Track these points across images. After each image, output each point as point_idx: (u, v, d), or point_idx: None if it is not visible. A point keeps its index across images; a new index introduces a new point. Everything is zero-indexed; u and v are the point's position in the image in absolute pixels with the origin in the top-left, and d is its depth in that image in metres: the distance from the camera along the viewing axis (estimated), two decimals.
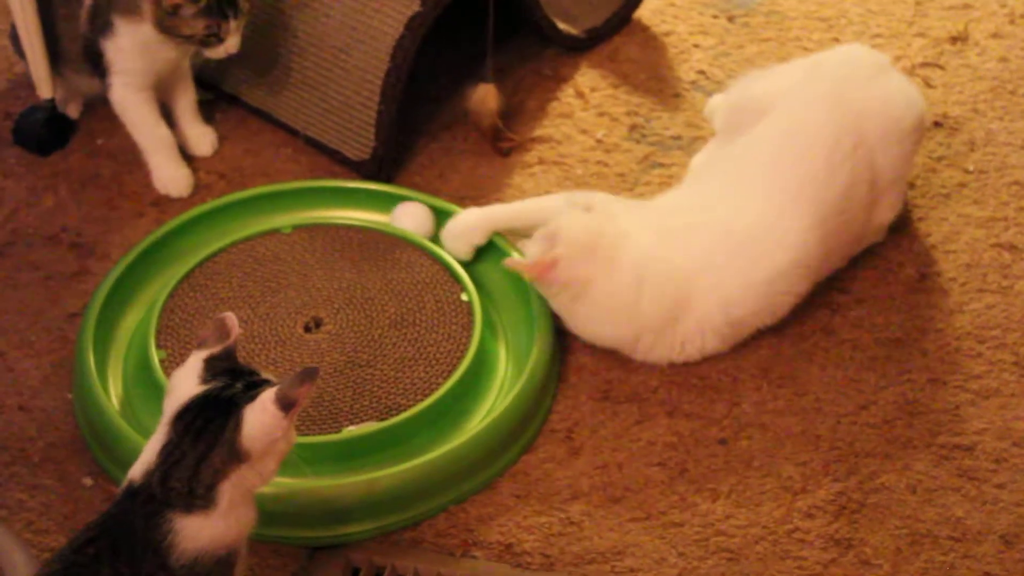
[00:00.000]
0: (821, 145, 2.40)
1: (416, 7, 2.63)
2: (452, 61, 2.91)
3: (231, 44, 2.59)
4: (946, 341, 2.43)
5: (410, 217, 2.55)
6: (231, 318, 1.86)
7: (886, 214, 2.53)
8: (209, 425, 1.79)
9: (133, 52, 2.61)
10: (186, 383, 1.83)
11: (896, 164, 2.48)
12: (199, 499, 1.79)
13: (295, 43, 2.76)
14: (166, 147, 2.71)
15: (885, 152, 2.45)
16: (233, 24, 2.56)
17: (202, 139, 2.79)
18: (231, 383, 1.81)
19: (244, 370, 1.84)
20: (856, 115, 2.44)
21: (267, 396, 1.79)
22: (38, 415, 2.33)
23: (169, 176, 2.71)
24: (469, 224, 2.49)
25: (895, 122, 2.47)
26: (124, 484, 1.83)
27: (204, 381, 1.82)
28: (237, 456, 1.79)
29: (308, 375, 1.79)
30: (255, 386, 1.81)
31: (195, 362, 1.84)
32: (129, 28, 2.57)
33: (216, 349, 1.84)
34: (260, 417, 1.78)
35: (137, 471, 1.82)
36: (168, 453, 1.80)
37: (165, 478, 1.79)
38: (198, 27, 2.54)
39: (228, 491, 1.80)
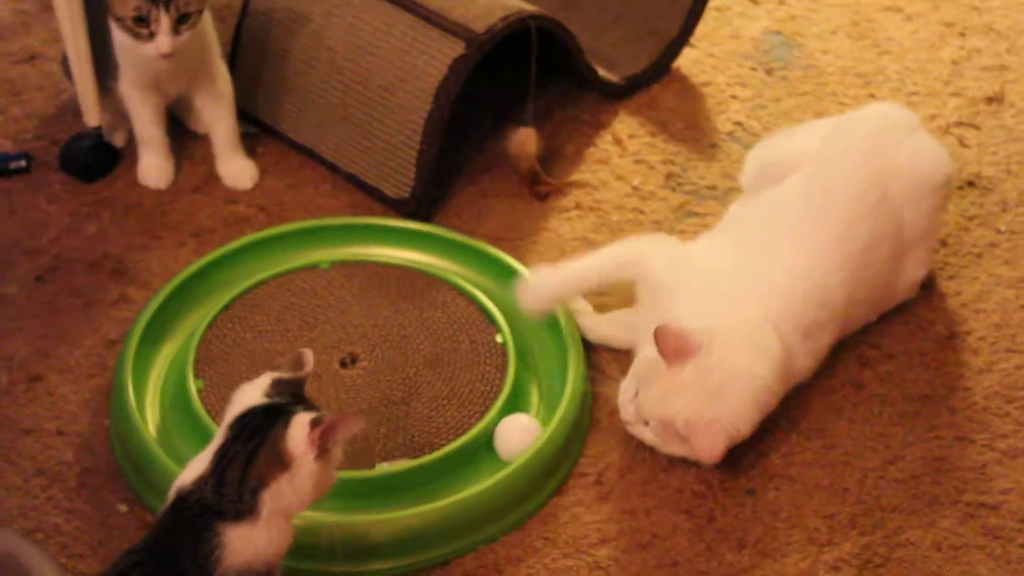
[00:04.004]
0: (846, 198, 2.43)
1: (460, 49, 2.67)
2: (492, 103, 2.95)
3: (162, 42, 2.56)
4: (974, 400, 2.45)
5: (517, 431, 2.35)
6: (308, 354, 1.97)
7: (916, 271, 2.55)
8: (263, 426, 1.88)
9: (120, 48, 2.66)
10: (251, 395, 1.92)
11: (922, 221, 2.51)
12: (245, 505, 1.85)
13: (339, 80, 2.80)
14: (155, 144, 2.80)
15: (912, 208, 2.48)
16: (165, 18, 2.54)
17: (243, 172, 2.83)
18: (293, 403, 1.90)
19: (308, 400, 1.91)
20: (882, 170, 2.47)
21: (307, 414, 1.89)
22: (75, 440, 2.37)
23: (147, 166, 2.81)
24: (542, 294, 2.47)
25: (922, 180, 2.50)
26: (171, 495, 1.90)
27: (268, 397, 1.91)
28: (280, 458, 1.86)
29: (353, 415, 1.91)
30: None
31: (264, 379, 1.94)
32: (112, 24, 2.63)
33: (287, 375, 1.94)
34: (302, 428, 1.87)
35: (188, 477, 1.89)
36: (222, 455, 1.88)
37: (220, 483, 1.86)
38: (128, 8, 2.55)
39: (269, 501, 1.87)
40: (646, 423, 2.29)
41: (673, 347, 2.23)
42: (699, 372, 2.24)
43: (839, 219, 2.42)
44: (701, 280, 2.39)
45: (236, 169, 2.83)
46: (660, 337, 2.23)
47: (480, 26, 2.67)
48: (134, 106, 2.76)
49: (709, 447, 2.23)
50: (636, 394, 2.29)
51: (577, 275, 2.47)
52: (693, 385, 2.24)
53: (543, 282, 2.47)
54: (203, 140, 2.88)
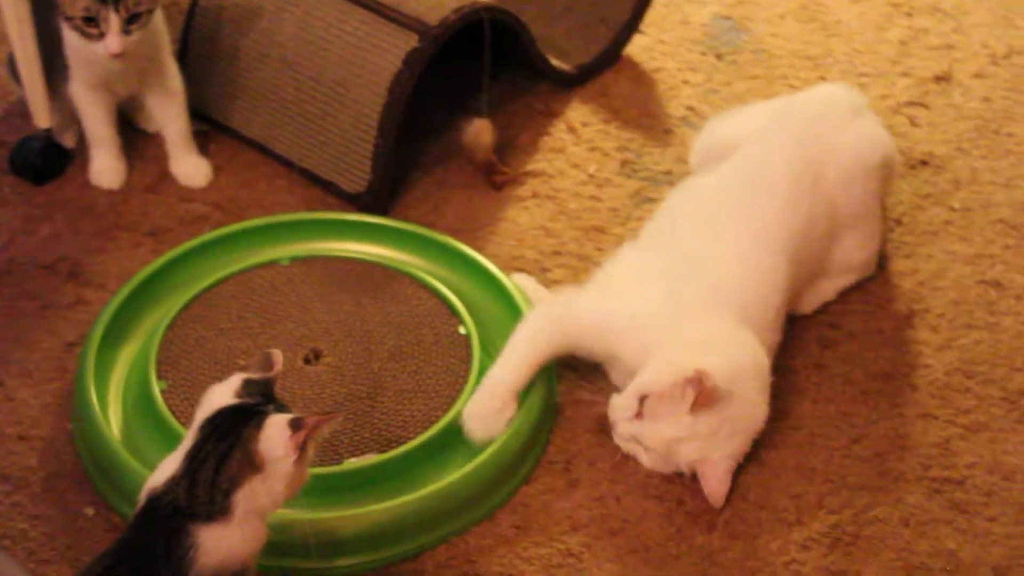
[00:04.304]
0: (784, 179, 2.45)
1: (414, 43, 2.66)
2: (444, 94, 2.94)
3: (112, 43, 2.53)
4: (935, 376, 2.47)
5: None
6: (277, 354, 1.96)
7: (855, 253, 2.56)
8: (234, 427, 1.87)
9: (71, 49, 2.64)
10: (221, 396, 1.91)
11: (857, 202, 2.52)
12: (218, 506, 1.84)
13: (292, 76, 2.78)
14: (107, 145, 2.78)
15: (846, 190, 2.49)
16: (114, 18, 2.52)
17: (196, 171, 2.81)
18: (264, 403, 1.89)
19: (278, 401, 1.90)
20: (819, 152, 2.49)
21: (283, 416, 1.88)
22: (38, 444, 2.34)
23: (100, 167, 2.79)
24: (493, 405, 2.31)
25: (857, 162, 2.51)
26: (143, 497, 1.88)
27: (239, 397, 1.90)
28: (252, 460, 1.85)
29: (331, 415, 1.90)
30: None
31: (235, 380, 1.92)
32: (63, 24, 2.60)
33: (257, 376, 1.93)
34: (277, 431, 1.86)
35: (159, 479, 1.87)
36: (194, 456, 1.86)
37: (192, 484, 1.84)
38: (77, 8, 2.53)
39: (242, 501, 1.85)
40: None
41: (704, 401, 2.20)
42: (716, 420, 2.22)
43: (778, 200, 2.43)
44: (648, 301, 2.36)
45: (189, 168, 2.81)
46: (694, 387, 2.18)
47: (433, 19, 2.66)
48: (85, 107, 2.74)
49: (718, 489, 2.24)
50: (636, 415, 2.25)
51: (513, 385, 2.33)
52: (709, 432, 2.23)
53: (488, 398, 2.32)
54: (153, 139, 2.86)
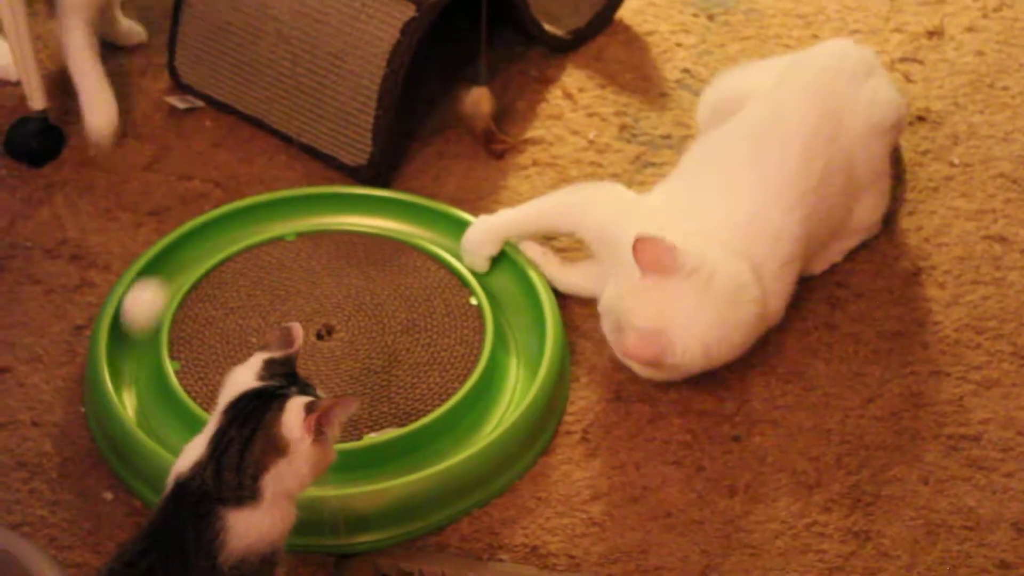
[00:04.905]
0: (801, 134, 2.44)
1: (411, 12, 2.64)
2: (438, 62, 2.93)
3: None
4: (945, 333, 2.48)
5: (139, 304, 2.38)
6: (297, 328, 1.94)
7: (872, 212, 2.57)
8: (256, 412, 1.86)
9: None
10: (243, 378, 1.90)
11: (874, 162, 2.53)
12: (247, 491, 1.84)
13: (288, 49, 2.76)
14: (101, 81, 2.79)
15: (864, 150, 2.50)
16: None
17: (130, 30, 2.99)
18: (287, 385, 1.88)
19: (300, 380, 1.89)
20: (837, 107, 2.48)
21: (302, 399, 1.87)
22: (52, 430, 2.33)
23: (96, 105, 2.78)
24: (481, 236, 2.50)
25: (877, 122, 2.51)
26: (170, 482, 1.87)
27: (261, 379, 1.89)
28: (276, 445, 1.85)
29: (347, 398, 1.90)
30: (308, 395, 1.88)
31: (256, 361, 1.91)
32: None
33: (277, 354, 1.91)
34: (294, 415, 1.86)
35: (185, 463, 1.87)
36: (218, 441, 1.86)
37: (218, 469, 1.84)
38: None
39: (271, 485, 1.85)
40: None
41: (653, 257, 2.24)
42: (666, 292, 2.25)
43: (795, 155, 2.42)
44: (659, 224, 2.36)
45: (124, 28, 2.98)
46: (638, 246, 2.23)
47: None
48: (78, 43, 2.74)
49: (635, 343, 2.24)
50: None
51: (517, 220, 2.50)
52: (656, 299, 2.25)
53: (482, 227, 2.50)
54: (150, 118, 2.84)
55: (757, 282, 2.33)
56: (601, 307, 2.36)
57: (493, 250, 2.49)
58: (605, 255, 2.42)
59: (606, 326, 2.35)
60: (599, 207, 2.46)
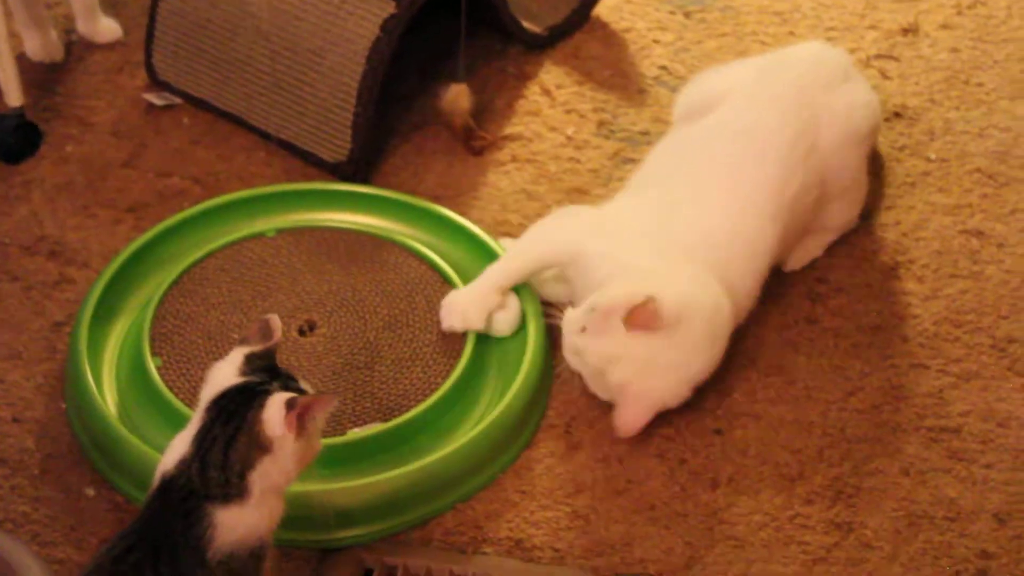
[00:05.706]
0: (778, 147, 2.44)
1: (391, 9, 2.64)
2: (416, 59, 2.93)
3: None
4: (924, 326, 2.50)
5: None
6: (275, 320, 1.94)
7: (844, 213, 2.59)
8: (239, 409, 1.85)
9: None
10: (225, 374, 1.89)
11: (851, 168, 2.54)
12: (234, 488, 1.83)
13: (266, 46, 2.75)
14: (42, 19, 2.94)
15: (839, 156, 2.50)
16: None
17: (108, 28, 3.01)
18: (268, 380, 1.87)
19: (282, 372, 1.88)
20: (813, 118, 2.48)
21: (282, 396, 1.86)
22: (33, 427, 2.32)
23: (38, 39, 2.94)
24: (471, 311, 2.39)
25: (853, 130, 2.52)
26: (156, 480, 1.87)
27: (243, 375, 1.88)
28: (259, 442, 1.84)
29: (326, 395, 1.92)
30: (291, 389, 1.86)
31: (236, 356, 1.91)
32: None
33: (257, 348, 1.91)
34: (276, 411, 1.85)
35: (169, 461, 1.86)
36: (202, 438, 1.85)
37: (203, 467, 1.84)
38: None
39: (258, 481, 1.85)
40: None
41: (642, 321, 2.22)
42: (654, 348, 2.25)
43: (773, 170, 2.42)
44: (633, 246, 2.37)
45: (100, 26, 3.00)
46: (637, 310, 2.21)
47: None
48: None
49: (631, 418, 2.27)
50: (583, 329, 2.28)
51: (498, 284, 2.41)
52: (643, 358, 2.25)
53: (462, 301, 2.40)
54: (128, 115, 2.83)
55: (729, 293, 2.33)
56: (565, 323, 2.32)
57: (491, 305, 2.39)
58: (575, 278, 2.41)
59: (567, 344, 2.31)
60: (558, 241, 2.44)
